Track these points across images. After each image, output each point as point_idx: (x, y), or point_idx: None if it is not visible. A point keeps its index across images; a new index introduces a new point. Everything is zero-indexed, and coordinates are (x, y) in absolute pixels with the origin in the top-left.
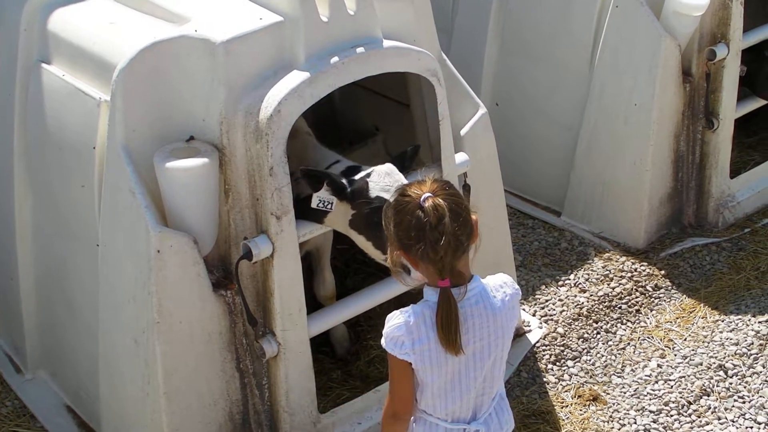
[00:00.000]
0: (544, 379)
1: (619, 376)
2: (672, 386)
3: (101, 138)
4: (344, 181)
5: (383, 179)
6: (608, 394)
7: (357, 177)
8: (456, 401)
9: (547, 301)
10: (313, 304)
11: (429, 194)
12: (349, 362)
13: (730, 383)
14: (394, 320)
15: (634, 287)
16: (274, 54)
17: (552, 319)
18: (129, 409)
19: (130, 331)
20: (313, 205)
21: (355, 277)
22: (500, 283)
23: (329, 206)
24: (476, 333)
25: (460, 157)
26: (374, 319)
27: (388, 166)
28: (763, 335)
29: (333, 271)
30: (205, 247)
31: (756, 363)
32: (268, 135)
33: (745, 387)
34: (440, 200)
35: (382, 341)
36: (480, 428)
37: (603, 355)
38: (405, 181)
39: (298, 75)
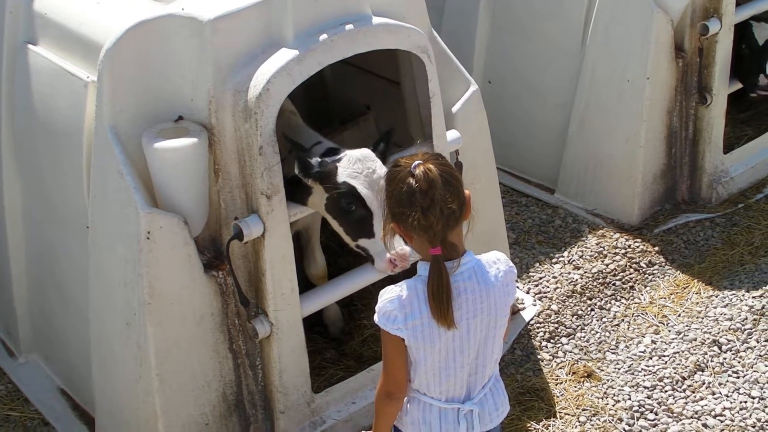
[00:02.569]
0: (539, 357)
1: (613, 353)
2: (666, 362)
3: (89, 119)
4: (313, 161)
5: (353, 165)
6: (602, 370)
7: (329, 160)
8: (449, 379)
9: (540, 278)
10: (306, 284)
11: (419, 161)
12: (343, 342)
13: (725, 358)
14: (387, 294)
15: (628, 264)
16: (262, 32)
17: (546, 297)
18: (122, 391)
19: (122, 313)
20: (296, 171)
21: (347, 256)
22: (494, 260)
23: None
24: (469, 308)
25: (452, 134)
26: (368, 298)
27: (363, 152)
28: (757, 310)
29: (325, 250)
30: (195, 227)
31: (750, 338)
32: (257, 114)
33: (739, 362)
34: (431, 166)
35: (375, 316)
36: (474, 408)
37: (597, 332)
38: (378, 167)
39: (286, 53)
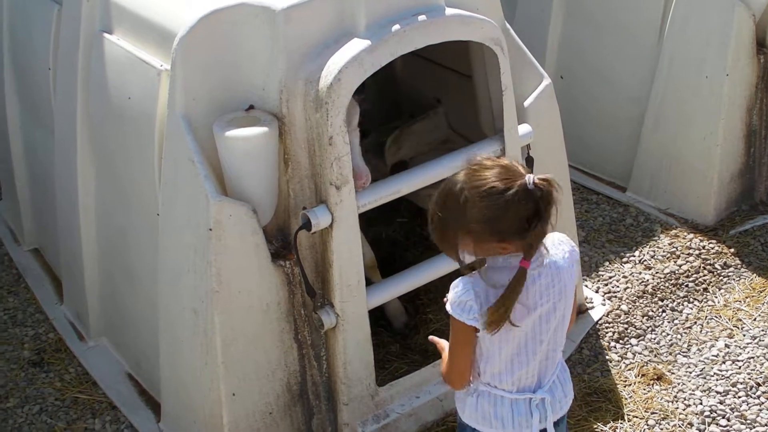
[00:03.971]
0: (607, 357)
1: (684, 356)
2: (740, 367)
3: (161, 107)
4: None
5: None
6: (673, 373)
7: None
8: (522, 367)
9: (610, 277)
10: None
11: (529, 174)
12: (408, 336)
13: None
14: (461, 285)
15: (702, 265)
16: (334, 21)
17: (615, 296)
18: (188, 377)
19: (189, 300)
20: None
21: (414, 249)
22: (558, 241)
23: None
24: (543, 294)
25: (524, 128)
26: (433, 292)
27: None
28: None
29: (392, 244)
30: (264, 217)
31: None
32: (327, 104)
33: None
34: (542, 176)
35: (448, 307)
36: (546, 396)
37: (668, 334)
38: None
39: (358, 43)
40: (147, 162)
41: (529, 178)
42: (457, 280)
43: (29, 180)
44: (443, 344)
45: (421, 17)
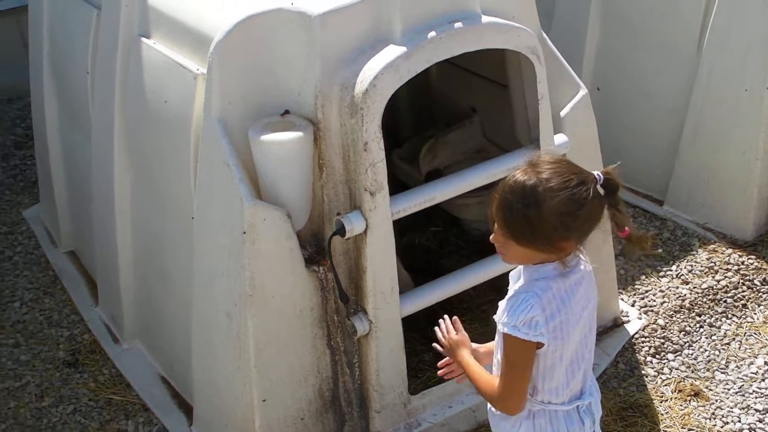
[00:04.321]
0: (643, 372)
1: (722, 372)
2: None
3: (197, 111)
4: None
5: None
6: (711, 390)
7: None
8: (575, 376)
9: (647, 291)
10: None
11: (597, 173)
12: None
13: None
14: (522, 304)
15: (741, 281)
16: (370, 27)
17: (652, 311)
18: (220, 381)
19: (223, 304)
20: None
21: (449, 258)
22: None
23: None
24: (589, 294)
25: (560, 138)
26: (467, 302)
27: None
28: None
29: (427, 252)
30: (298, 221)
31: None
32: (363, 110)
33: None
34: (604, 170)
35: (510, 330)
36: (591, 400)
37: (706, 350)
38: None
39: (394, 49)
40: (182, 165)
41: (598, 175)
42: (511, 299)
43: (67, 182)
44: (465, 358)
45: (458, 24)
